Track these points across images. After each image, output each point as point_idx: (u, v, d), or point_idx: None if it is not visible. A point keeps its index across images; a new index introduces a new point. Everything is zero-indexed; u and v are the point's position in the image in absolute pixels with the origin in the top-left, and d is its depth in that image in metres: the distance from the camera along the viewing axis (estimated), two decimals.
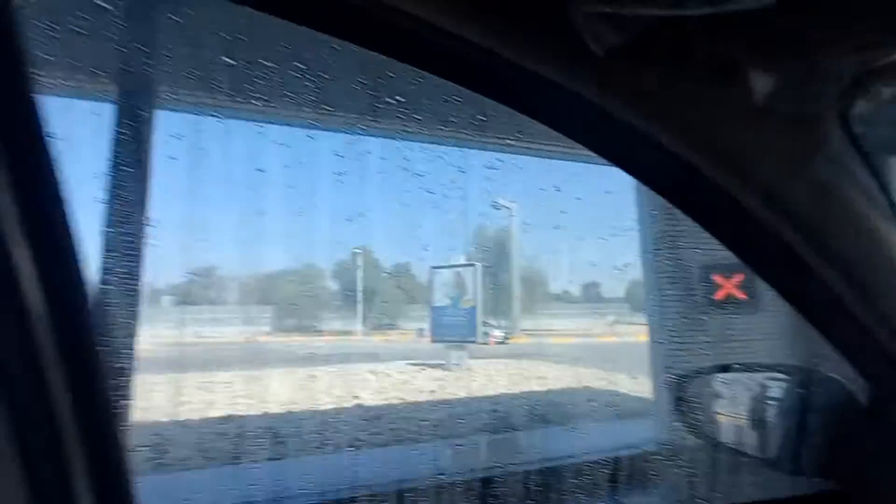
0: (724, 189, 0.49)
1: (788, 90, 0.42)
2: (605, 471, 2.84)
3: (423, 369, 6.97)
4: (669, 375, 3.53)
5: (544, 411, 5.01)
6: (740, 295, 3.26)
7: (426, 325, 7.34)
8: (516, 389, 5.84)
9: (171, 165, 2.89)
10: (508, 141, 3.43)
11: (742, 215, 0.52)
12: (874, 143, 0.52)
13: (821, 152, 0.47)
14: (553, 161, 3.90)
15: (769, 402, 1.03)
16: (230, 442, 3.33)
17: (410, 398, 5.46)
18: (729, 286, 3.27)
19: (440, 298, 6.63)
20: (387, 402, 5.37)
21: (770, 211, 0.52)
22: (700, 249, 3.36)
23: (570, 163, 3.77)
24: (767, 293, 3.73)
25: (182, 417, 3.80)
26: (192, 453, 3.27)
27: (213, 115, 3.07)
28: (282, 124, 3.43)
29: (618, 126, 0.45)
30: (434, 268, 6.69)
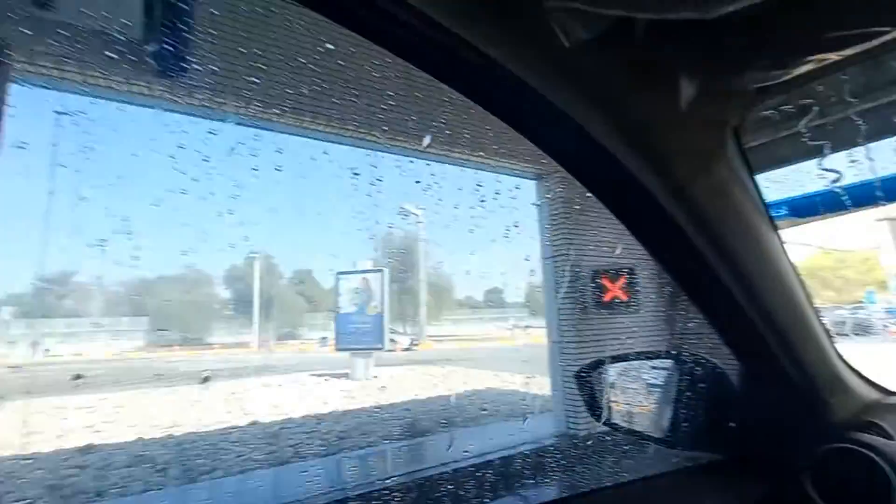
0: (645, 186, 0.53)
1: (706, 98, 0.47)
2: (509, 467, 2.95)
3: (327, 380, 6.66)
4: (567, 371, 3.81)
5: (451, 415, 5.09)
6: (624, 296, 3.65)
7: (330, 334, 7.04)
8: (423, 395, 5.85)
9: (20, 155, 2.34)
10: (417, 146, 3.46)
11: (656, 211, 0.57)
12: (753, 156, 0.61)
13: (721, 157, 0.54)
14: (461, 169, 4.01)
15: (657, 386, 1.15)
16: (92, 475, 2.83)
17: (312, 411, 5.16)
18: (615, 288, 3.66)
19: (346, 305, 6.40)
20: (286, 417, 5.02)
21: (678, 208, 0.57)
22: (591, 255, 3.71)
23: (475, 171, 3.91)
24: (647, 294, 4.24)
25: (30, 451, 3.13)
26: (42, 492, 2.70)
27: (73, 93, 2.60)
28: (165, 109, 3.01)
29: (555, 114, 0.47)
30: (340, 273, 6.45)
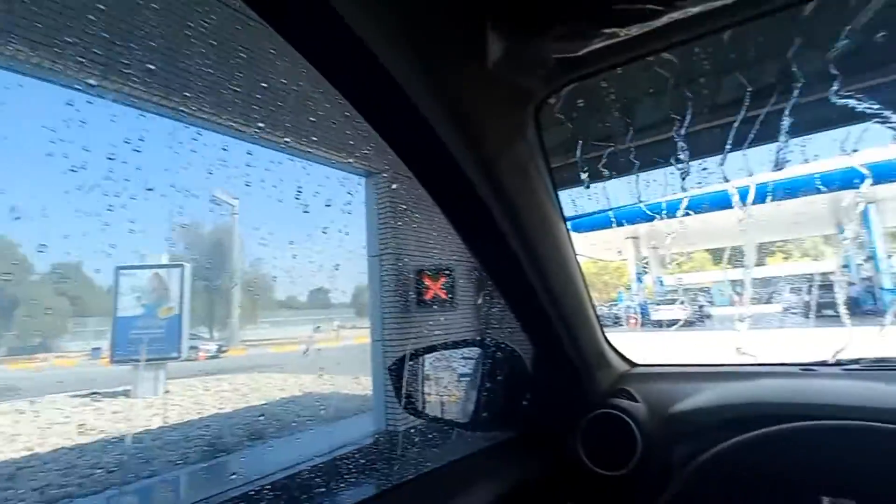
0: (456, 161, 0.51)
1: (513, 65, 0.46)
2: (323, 472, 2.80)
3: (98, 400, 5.30)
4: (387, 369, 3.84)
5: (263, 426, 4.61)
6: (443, 294, 3.88)
7: (106, 342, 5.65)
8: (230, 408, 5.16)
9: None
10: (238, 125, 3.02)
11: (466, 188, 0.56)
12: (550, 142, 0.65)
13: (523, 136, 0.55)
14: (287, 158, 3.67)
15: (465, 374, 1.19)
16: None
17: (71, 441, 4.03)
18: (435, 287, 3.85)
19: (128, 307, 5.16)
20: (30, 453, 3.82)
21: (485, 188, 0.57)
22: (416, 254, 3.84)
23: (303, 162, 3.65)
24: (465, 290, 4.60)
25: None
26: None
27: None
28: None
29: (371, 67, 0.41)
30: (121, 268, 5.17)
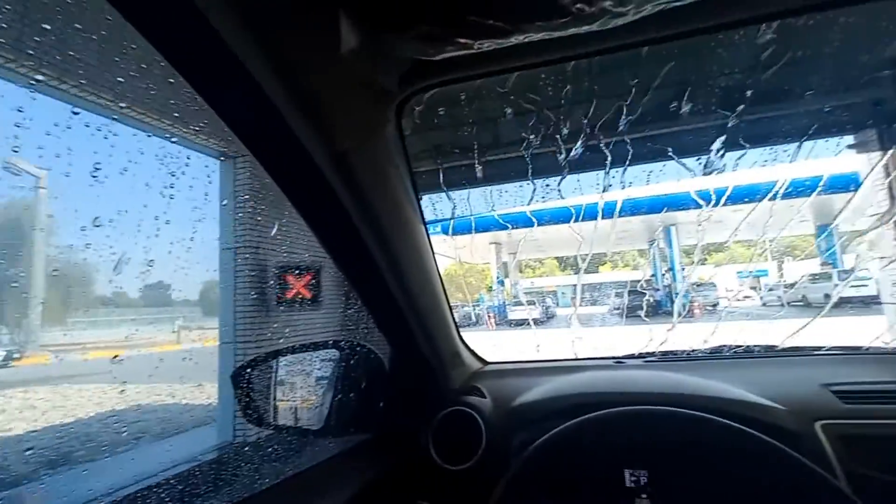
0: (313, 160, 0.48)
1: (368, 60, 0.45)
2: (152, 496, 2.42)
3: None
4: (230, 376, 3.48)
5: (70, 449, 3.78)
6: (308, 294, 3.67)
7: None
8: (20, 429, 4.11)
9: None
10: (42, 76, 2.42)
11: (323, 187, 0.53)
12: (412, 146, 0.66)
13: (382, 134, 0.55)
14: (120, 127, 3.07)
15: (321, 378, 1.14)
16: None
17: None
18: (299, 285, 3.63)
19: None
20: None
21: (342, 187, 0.54)
22: (277, 250, 3.56)
23: (141, 134, 3.10)
24: (331, 290, 4.41)
25: None
26: None
27: None
28: None
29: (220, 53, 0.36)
30: None
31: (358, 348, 1.09)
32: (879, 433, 0.75)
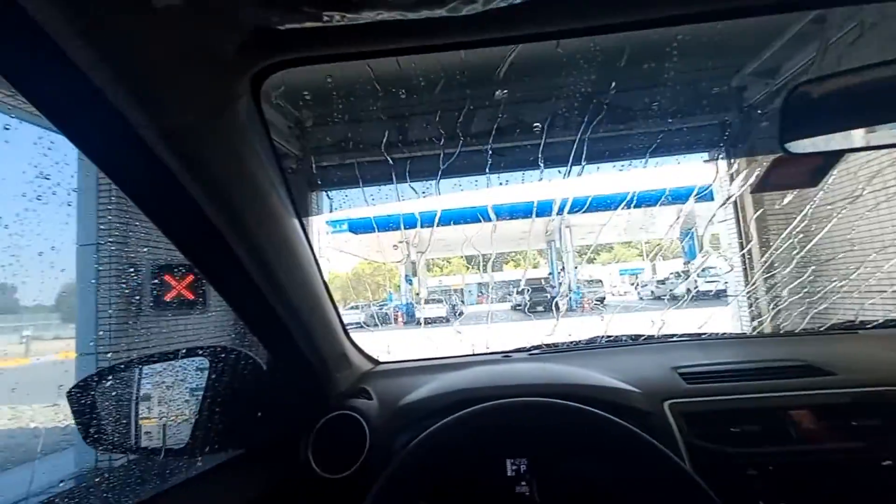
0: (151, 148, 0.41)
1: (201, 21, 0.39)
2: None
3: None
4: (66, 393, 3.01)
5: None
6: (190, 295, 3.29)
7: None
8: None
9: None
10: None
11: (167, 181, 0.46)
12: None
13: (234, 111, 0.48)
14: None
15: (192, 389, 1.02)
16: None
17: None
18: (180, 286, 3.24)
19: None
20: None
21: (178, 163, 0.47)
22: (152, 245, 3.14)
23: None
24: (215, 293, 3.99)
25: None
26: None
27: None
28: None
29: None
30: None
31: (233, 354, 0.99)
32: (713, 408, 0.87)
